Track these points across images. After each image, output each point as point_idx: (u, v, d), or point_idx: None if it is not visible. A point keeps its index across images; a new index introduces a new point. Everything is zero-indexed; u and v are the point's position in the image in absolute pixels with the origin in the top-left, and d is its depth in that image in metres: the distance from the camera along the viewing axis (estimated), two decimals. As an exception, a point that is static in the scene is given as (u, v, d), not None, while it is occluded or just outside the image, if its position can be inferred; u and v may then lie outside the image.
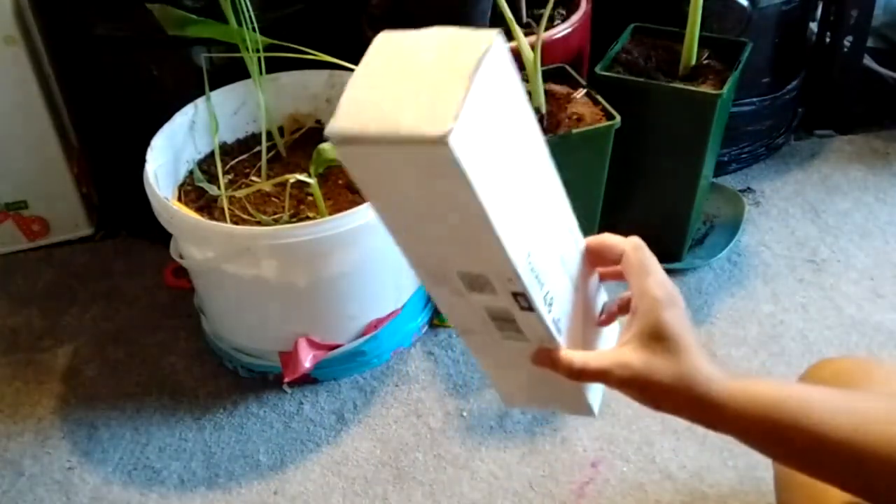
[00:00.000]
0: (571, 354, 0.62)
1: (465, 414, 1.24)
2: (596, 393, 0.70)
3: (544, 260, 0.60)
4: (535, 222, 0.59)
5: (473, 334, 0.65)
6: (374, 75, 0.55)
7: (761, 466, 1.09)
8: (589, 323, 0.68)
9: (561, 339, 0.62)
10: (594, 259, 0.68)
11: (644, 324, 0.59)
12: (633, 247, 0.63)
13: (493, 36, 0.53)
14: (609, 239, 0.66)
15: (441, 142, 0.48)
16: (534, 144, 0.59)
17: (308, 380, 1.28)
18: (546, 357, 0.63)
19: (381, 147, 0.51)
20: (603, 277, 0.70)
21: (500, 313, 0.61)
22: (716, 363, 0.60)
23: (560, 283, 0.62)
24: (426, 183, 0.52)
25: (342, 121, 0.54)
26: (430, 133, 0.48)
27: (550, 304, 0.61)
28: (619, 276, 0.68)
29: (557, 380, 0.64)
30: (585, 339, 0.67)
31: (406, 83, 0.52)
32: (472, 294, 0.60)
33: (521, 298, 0.59)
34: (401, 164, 0.52)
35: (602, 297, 0.71)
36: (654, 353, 0.58)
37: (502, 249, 0.55)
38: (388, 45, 0.56)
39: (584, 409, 0.70)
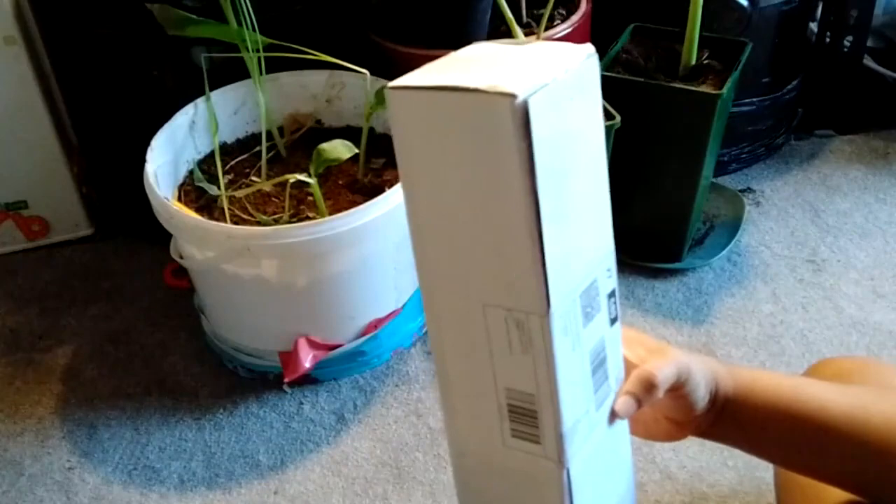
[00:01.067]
0: (640, 374, 0.56)
1: (465, 414, 1.23)
2: None
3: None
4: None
5: (569, 442, 0.51)
6: (449, 64, 0.50)
7: (761, 467, 1.09)
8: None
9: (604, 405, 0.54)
10: None
11: (641, 346, 0.60)
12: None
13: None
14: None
15: (515, 97, 0.42)
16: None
17: (308, 380, 1.28)
18: (629, 400, 0.55)
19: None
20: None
21: (598, 351, 0.52)
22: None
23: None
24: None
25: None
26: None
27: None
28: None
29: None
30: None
31: (484, 65, 0.48)
32: (585, 331, 0.50)
33: (613, 302, 0.52)
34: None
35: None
36: (671, 352, 0.59)
37: (608, 211, 0.49)
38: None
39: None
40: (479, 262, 0.47)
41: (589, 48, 0.49)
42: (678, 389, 0.57)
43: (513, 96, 0.42)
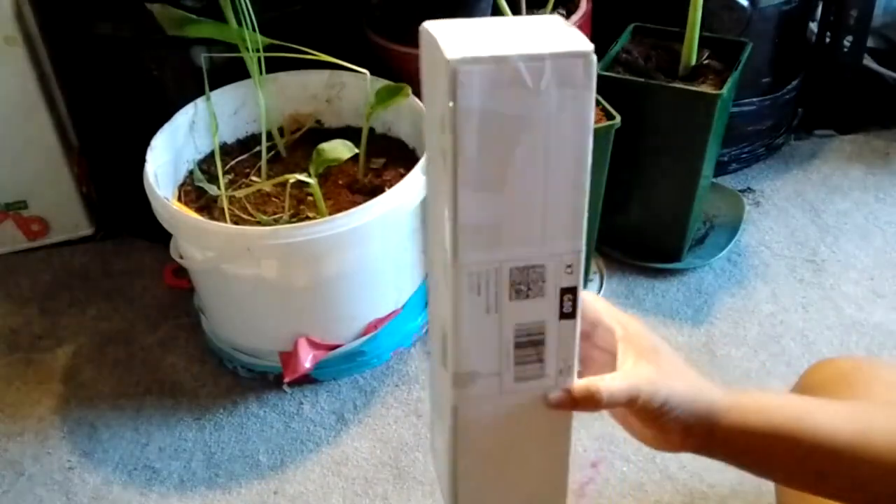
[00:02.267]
0: (588, 382, 0.57)
1: (465, 414, 1.23)
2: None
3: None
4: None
5: (477, 380, 0.57)
6: (458, 35, 0.53)
7: (761, 466, 1.09)
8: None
9: (575, 363, 0.58)
10: None
11: (642, 345, 0.59)
12: (593, 302, 0.62)
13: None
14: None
15: (588, 55, 0.50)
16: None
17: (308, 380, 1.28)
18: (566, 398, 0.57)
19: (519, 63, 0.50)
20: None
21: (531, 332, 0.57)
22: (707, 378, 0.60)
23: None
24: (546, 111, 0.51)
25: (462, 50, 0.50)
26: (577, 48, 0.50)
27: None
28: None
29: (539, 467, 0.61)
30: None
31: (499, 35, 0.53)
32: (511, 305, 0.56)
33: (568, 301, 0.56)
34: (527, 89, 0.50)
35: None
36: (661, 367, 0.58)
37: (582, 212, 0.54)
38: (450, 25, 0.55)
39: (562, 497, 0.64)
40: (440, 207, 0.56)
41: (586, 48, 0.51)
42: (634, 406, 0.57)
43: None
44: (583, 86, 0.51)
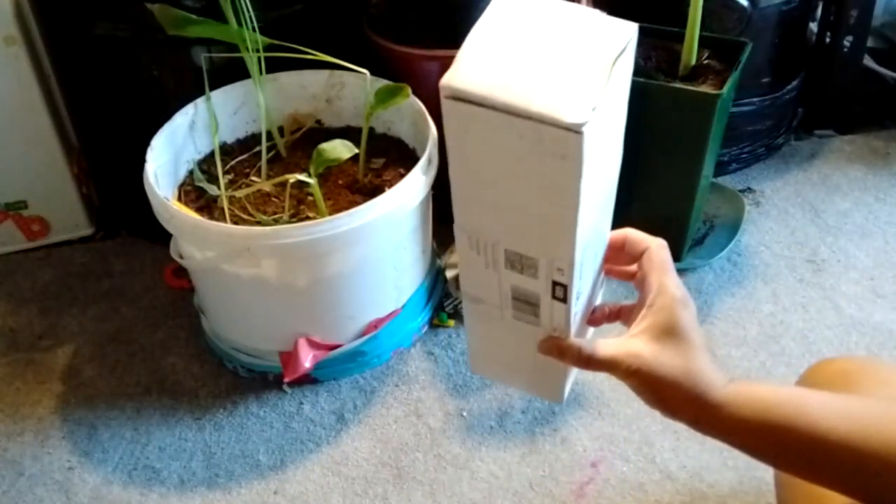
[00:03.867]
0: (580, 342, 0.62)
1: (465, 414, 1.24)
2: (571, 379, 0.70)
3: (589, 254, 0.59)
4: (597, 213, 0.58)
5: (481, 304, 0.64)
6: (497, 36, 0.52)
7: (761, 466, 1.07)
8: (584, 318, 0.68)
9: (572, 331, 0.62)
10: (612, 254, 0.68)
11: (659, 318, 0.60)
12: (658, 245, 0.65)
13: (635, 29, 0.52)
14: (635, 234, 0.67)
15: (576, 130, 0.47)
16: (619, 133, 0.57)
17: (308, 380, 1.28)
18: (554, 345, 0.63)
19: (502, 115, 0.49)
20: (608, 273, 0.70)
21: (527, 296, 0.60)
22: (720, 367, 0.60)
23: (588, 278, 0.62)
24: (533, 162, 0.50)
25: (463, 77, 0.50)
26: (566, 119, 0.47)
27: (578, 298, 0.60)
28: (624, 276, 0.68)
29: (542, 363, 0.64)
30: (579, 333, 0.67)
31: (535, 54, 0.50)
32: (507, 271, 0.59)
33: (560, 289, 0.58)
34: (515, 136, 0.49)
35: (600, 295, 0.71)
36: (664, 347, 0.59)
37: (572, 241, 0.54)
38: (512, 7, 0.54)
39: (556, 395, 0.70)
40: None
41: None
42: (615, 375, 0.61)
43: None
44: (573, 157, 0.50)
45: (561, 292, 0.59)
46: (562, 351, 0.62)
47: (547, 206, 0.53)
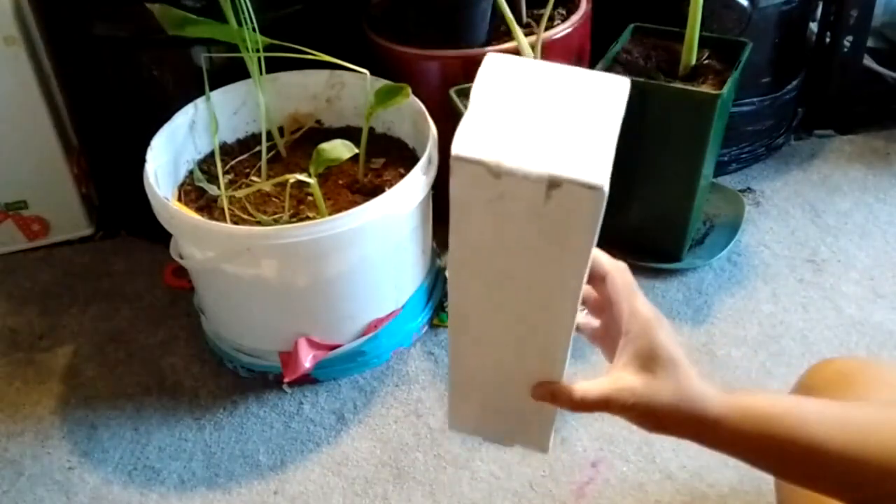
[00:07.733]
0: (570, 386, 0.61)
1: (465, 414, 1.23)
2: (552, 428, 0.68)
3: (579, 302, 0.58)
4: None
5: (467, 334, 0.62)
6: (497, 100, 0.52)
7: (761, 466, 1.09)
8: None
9: (563, 373, 0.61)
10: None
11: (639, 345, 0.59)
12: (619, 269, 0.63)
13: (627, 84, 0.53)
14: (595, 255, 0.66)
15: (598, 189, 0.48)
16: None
17: (308, 380, 1.28)
18: (546, 391, 0.62)
19: (517, 178, 0.49)
20: None
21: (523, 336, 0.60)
22: (707, 380, 0.60)
23: (575, 320, 0.61)
24: (544, 224, 0.51)
25: (472, 143, 0.50)
26: (586, 179, 0.48)
27: (569, 347, 0.60)
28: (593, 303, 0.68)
29: (525, 409, 0.63)
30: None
31: (539, 116, 0.51)
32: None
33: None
34: (527, 198, 0.49)
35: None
36: (654, 375, 0.59)
37: (570, 315, 0.56)
38: (504, 70, 0.54)
39: (541, 444, 0.68)
40: None
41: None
42: (609, 412, 0.61)
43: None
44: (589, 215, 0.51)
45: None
46: (553, 395, 0.61)
47: (546, 273, 0.54)
